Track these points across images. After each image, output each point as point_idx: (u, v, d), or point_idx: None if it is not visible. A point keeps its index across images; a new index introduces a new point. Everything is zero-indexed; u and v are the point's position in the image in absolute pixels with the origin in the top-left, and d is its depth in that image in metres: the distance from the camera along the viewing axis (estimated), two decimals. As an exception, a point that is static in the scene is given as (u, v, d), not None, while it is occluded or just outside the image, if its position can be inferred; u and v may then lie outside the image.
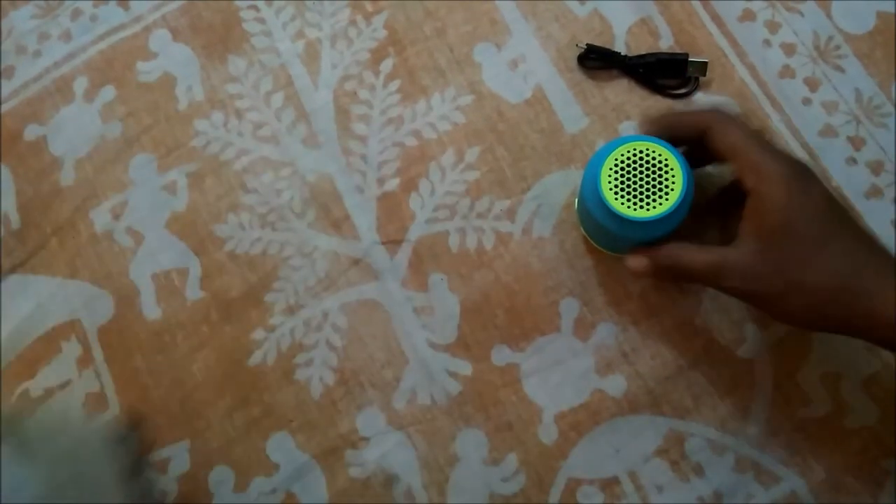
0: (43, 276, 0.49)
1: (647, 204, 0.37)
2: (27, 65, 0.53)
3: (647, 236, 0.38)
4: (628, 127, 0.48)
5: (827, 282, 0.34)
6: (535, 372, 0.45)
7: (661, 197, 0.37)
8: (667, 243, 0.38)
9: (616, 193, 0.37)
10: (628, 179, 0.37)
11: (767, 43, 0.49)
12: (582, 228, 0.45)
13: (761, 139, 0.37)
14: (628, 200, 0.37)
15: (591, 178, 0.39)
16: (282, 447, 0.45)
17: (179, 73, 0.51)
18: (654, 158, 0.37)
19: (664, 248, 0.38)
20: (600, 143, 0.48)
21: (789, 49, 0.49)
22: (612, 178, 0.37)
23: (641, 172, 0.37)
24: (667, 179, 0.37)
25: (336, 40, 0.51)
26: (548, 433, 0.44)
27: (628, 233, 0.38)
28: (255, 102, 0.50)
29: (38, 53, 0.53)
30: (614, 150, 0.38)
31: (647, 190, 0.37)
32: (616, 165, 0.38)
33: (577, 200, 0.45)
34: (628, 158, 0.38)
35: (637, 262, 0.39)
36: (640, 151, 0.38)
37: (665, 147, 0.37)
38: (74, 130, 0.51)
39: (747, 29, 0.49)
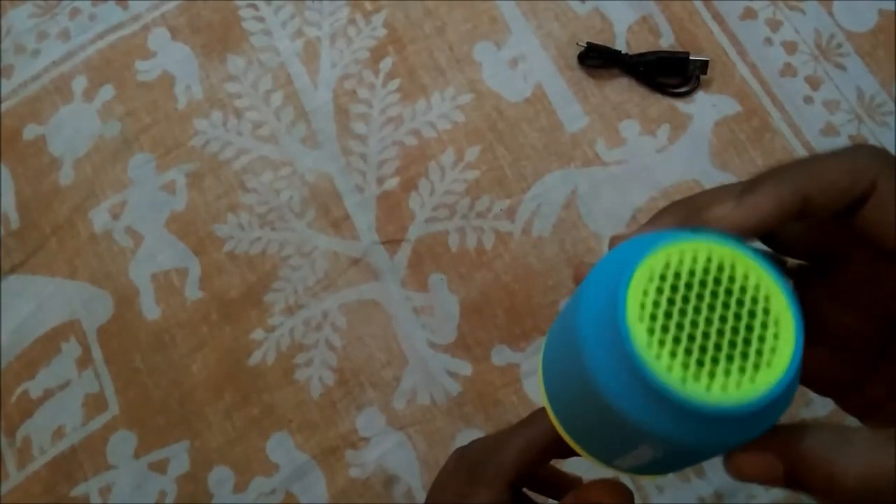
0: (42, 277, 0.49)
1: (726, 371, 0.18)
2: (26, 64, 0.53)
3: (719, 440, 0.18)
4: (629, 125, 0.48)
5: None
6: (535, 372, 0.45)
7: (750, 357, 0.18)
8: (789, 430, 0.19)
9: (660, 344, 0.18)
10: (683, 317, 0.18)
11: (769, 41, 0.49)
12: (549, 409, 0.22)
13: None
14: (687, 362, 0.17)
15: (592, 313, 0.19)
16: (282, 447, 0.45)
17: (178, 72, 0.51)
18: (732, 279, 0.19)
19: (806, 441, 0.19)
20: (601, 143, 0.48)
21: (791, 47, 0.49)
22: (648, 313, 0.18)
23: (708, 306, 0.18)
24: (759, 322, 0.18)
25: (335, 39, 0.51)
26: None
27: (680, 432, 0.18)
28: (255, 101, 0.50)
29: (36, 52, 0.53)
30: (646, 254, 0.19)
31: (724, 343, 0.18)
32: (655, 287, 0.18)
33: (541, 358, 0.23)
34: (680, 276, 0.18)
35: (757, 462, 0.19)
36: (706, 263, 0.19)
37: (754, 257, 0.19)
38: (73, 130, 0.51)
39: (748, 27, 0.49)
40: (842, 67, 0.48)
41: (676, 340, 0.18)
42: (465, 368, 0.45)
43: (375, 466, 0.44)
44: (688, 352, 0.18)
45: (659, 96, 0.48)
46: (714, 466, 0.42)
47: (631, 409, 0.18)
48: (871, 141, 0.46)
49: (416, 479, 0.44)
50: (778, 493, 0.42)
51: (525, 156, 0.48)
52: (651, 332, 0.18)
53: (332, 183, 0.48)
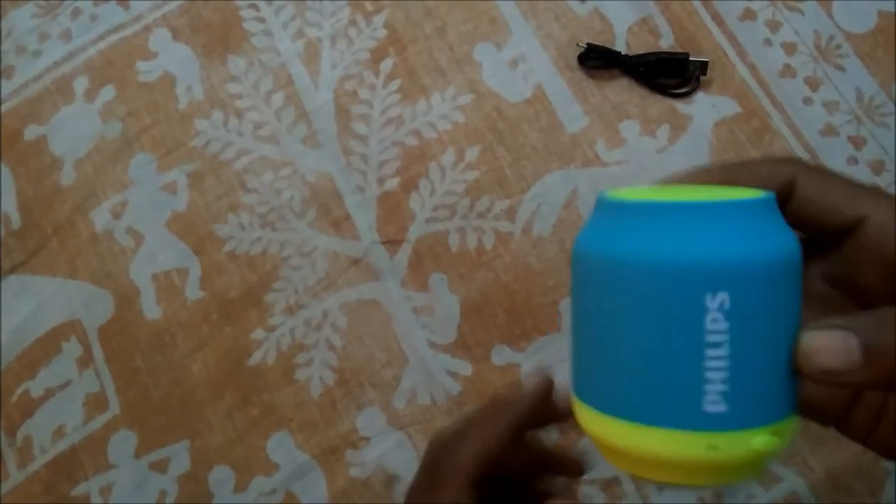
0: (43, 277, 0.49)
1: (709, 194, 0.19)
2: (27, 64, 0.53)
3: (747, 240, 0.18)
4: (629, 126, 0.48)
5: None
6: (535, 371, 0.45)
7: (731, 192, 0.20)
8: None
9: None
10: (664, 191, 0.20)
11: (768, 42, 0.49)
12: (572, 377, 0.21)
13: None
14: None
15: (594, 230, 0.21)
16: (282, 447, 0.45)
17: (179, 72, 0.51)
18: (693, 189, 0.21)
19: (876, 315, 0.19)
20: (601, 144, 0.48)
21: (790, 48, 0.49)
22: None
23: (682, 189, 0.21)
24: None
25: (336, 40, 0.51)
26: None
27: (720, 241, 0.18)
28: (255, 102, 0.50)
29: (38, 53, 0.53)
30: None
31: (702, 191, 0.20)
32: (632, 192, 0.21)
33: (570, 368, 0.22)
34: (652, 189, 0.21)
35: (838, 342, 0.18)
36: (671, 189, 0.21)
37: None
38: (74, 130, 0.51)
39: (748, 28, 0.49)
40: (841, 68, 0.48)
41: (664, 193, 0.19)
42: (465, 368, 0.45)
43: (376, 466, 0.44)
44: (677, 193, 0.19)
45: (659, 97, 0.48)
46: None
47: (654, 252, 0.18)
48: (871, 141, 0.47)
49: (416, 479, 0.44)
50: (778, 493, 0.42)
51: (525, 156, 0.48)
52: (641, 195, 0.19)
53: (332, 183, 0.49)
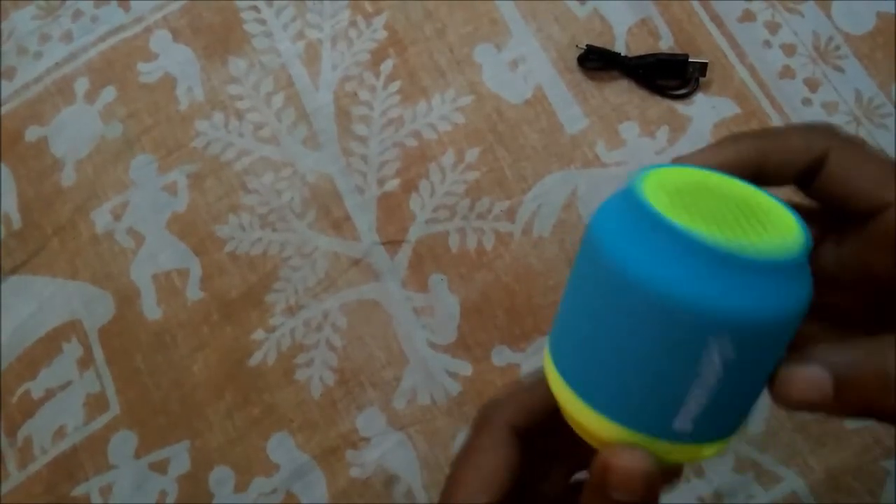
0: (43, 277, 0.49)
1: (747, 233, 0.18)
2: (28, 66, 0.53)
3: (764, 300, 0.18)
4: (628, 127, 0.48)
5: None
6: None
7: (765, 223, 0.19)
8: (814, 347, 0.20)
9: (687, 215, 0.18)
10: (694, 203, 0.19)
11: (767, 43, 0.49)
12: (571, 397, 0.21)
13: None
14: (712, 226, 0.18)
15: (612, 220, 0.20)
16: (282, 447, 0.45)
17: (180, 73, 0.52)
18: (724, 187, 0.20)
19: (849, 344, 0.20)
20: (600, 145, 0.48)
21: (789, 49, 0.49)
22: (664, 199, 0.19)
23: (710, 197, 0.19)
24: (759, 208, 0.19)
25: (336, 41, 0.51)
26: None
27: (729, 295, 0.17)
28: (256, 103, 0.51)
29: (39, 54, 0.53)
30: (642, 175, 0.20)
31: (736, 217, 0.19)
32: (662, 187, 0.19)
33: (547, 345, 0.23)
34: (681, 184, 0.20)
35: (812, 376, 0.19)
36: (699, 177, 0.21)
37: (738, 179, 0.21)
38: (75, 131, 0.51)
39: (747, 29, 0.49)
40: (840, 70, 0.48)
41: (696, 214, 0.18)
42: (466, 368, 0.45)
43: (376, 466, 0.44)
44: (709, 220, 0.18)
45: (658, 98, 0.48)
46: (714, 466, 0.43)
47: (677, 285, 0.17)
48: (870, 142, 0.47)
49: (416, 479, 0.44)
50: (777, 493, 0.42)
51: (525, 157, 0.48)
52: (671, 204, 0.18)
53: (332, 184, 0.49)
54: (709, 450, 0.20)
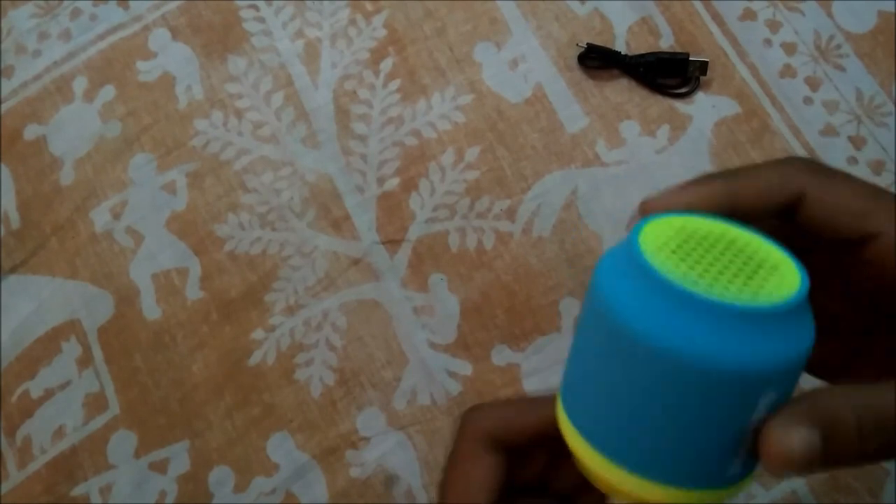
0: (43, 276, 0.49)
1: (748, 285, 0.19)
2: (27, 64, 0.53)
3: (761, 350, 0.18)
4: (629, 126, 0.48)
5: None
6: (535, 372, 0.45)
7: (765, 275, 0.19)
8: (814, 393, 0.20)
9: (688, 268, 0.19)
10: (695, 255, 0.20)
11: (768, 42, 0.49)
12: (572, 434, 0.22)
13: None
14: (711, 280, 0.19)
15: (614, 273, 0.20)
16: (282, 447, 0.45)
17: (179, 72, 0.51)
18: (725, 237, 0.21)
19: (837, 391, 0.20)
20: (601, 144, 0.48)
21: (790, 48, 0.49)
22: (665, 252, 0.19)
23: (711, 249, 0.20)
24: (759, 259, 0.20)
25: (336, 40, 0.51)
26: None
27: (724, 347, 0.18)
28: (255, 102, 0.50)
29: (37, 53, 0.53)
30: (642, 226, 0.20)
31: (736, 269, 0.19)
32: (662, 239, 0.20)
33: (559, 393, 0.23)
34: (682, 235, 0.20)
35: (800, 438, 0.18)
36: (699, 227, 0.21)
37: (739, 225, 0.22)
38: (74, 130, 0.51)
39: (748, 28, 0.49)
40: (841, 68, 0.48)
41: (696, 267, 0.19)
42: (465, 368, 0.45)
43: (376, 466, 0.44)
44: (709, 273, 0.19)
45: (659, 97, 0.48)
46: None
47: (677, 340, 0.18)
48: (871, 141, 0.47)
49: (416, 479, 0.44)
50: (777, 493, 0.42)
51: (525, 156, 0.48)
52: (673, 263, 0.19)
53: (332, 183, 0.49)
54: (748, 480, 0.21)
